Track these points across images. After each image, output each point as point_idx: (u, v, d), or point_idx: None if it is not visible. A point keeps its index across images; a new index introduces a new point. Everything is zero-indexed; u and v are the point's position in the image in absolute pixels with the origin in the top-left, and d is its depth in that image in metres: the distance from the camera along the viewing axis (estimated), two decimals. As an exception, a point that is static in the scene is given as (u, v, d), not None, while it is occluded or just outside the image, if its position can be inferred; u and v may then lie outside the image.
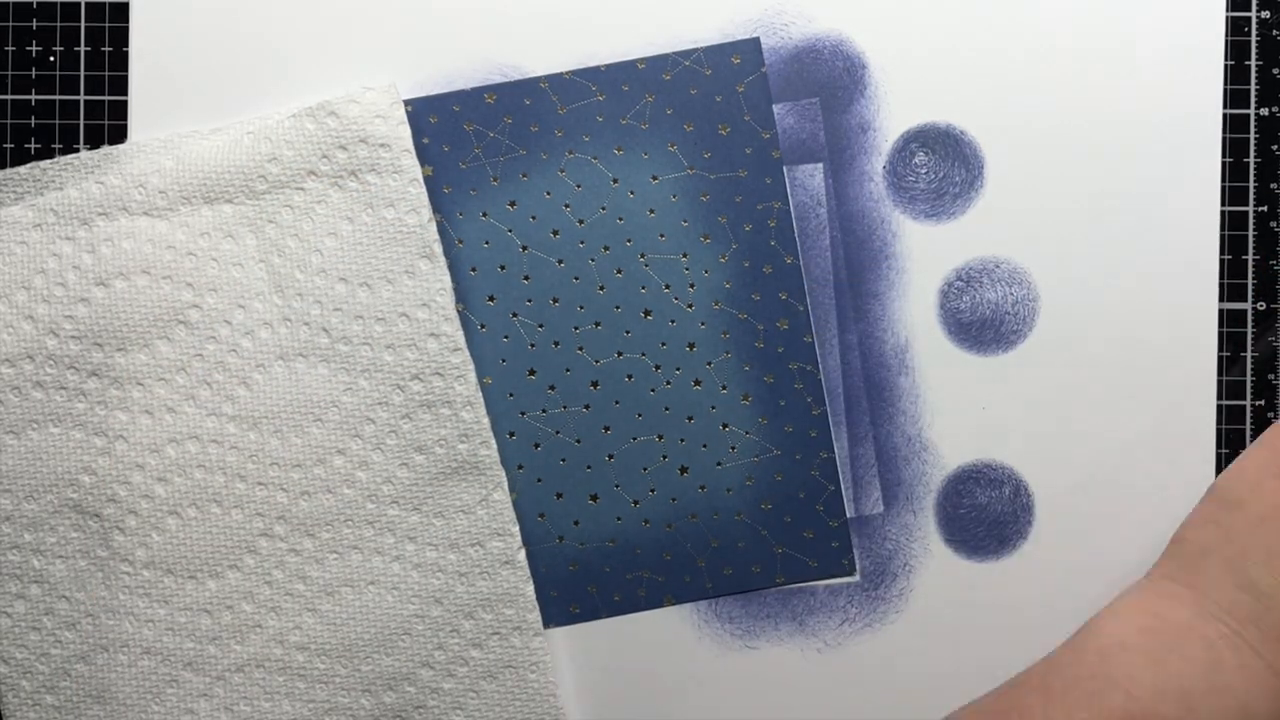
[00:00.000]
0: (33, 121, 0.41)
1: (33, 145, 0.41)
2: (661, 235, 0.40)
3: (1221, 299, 0.40)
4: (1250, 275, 0.40)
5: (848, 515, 0.40)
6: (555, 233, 0.40)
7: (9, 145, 0.41)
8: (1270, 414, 0.41)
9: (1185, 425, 0.40)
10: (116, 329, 0.39)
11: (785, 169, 0.40)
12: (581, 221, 0.40)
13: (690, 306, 0.40)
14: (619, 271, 0.40)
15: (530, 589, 0.40)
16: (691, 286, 0.40)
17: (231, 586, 0.40)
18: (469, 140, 0.40)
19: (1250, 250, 0.40)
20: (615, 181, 0.40)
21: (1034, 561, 0.40)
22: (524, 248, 0.40)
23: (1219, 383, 0.40)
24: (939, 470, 0.40)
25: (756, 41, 0.39)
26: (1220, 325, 0.40)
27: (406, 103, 0.39)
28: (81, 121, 0.41)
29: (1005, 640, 0.40)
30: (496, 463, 0.40)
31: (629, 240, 0.40)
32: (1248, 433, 0.40)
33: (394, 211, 0.39)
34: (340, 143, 0.39)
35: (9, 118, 0.41)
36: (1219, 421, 0.40)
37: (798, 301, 0.40)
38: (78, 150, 0.40)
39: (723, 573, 0.40)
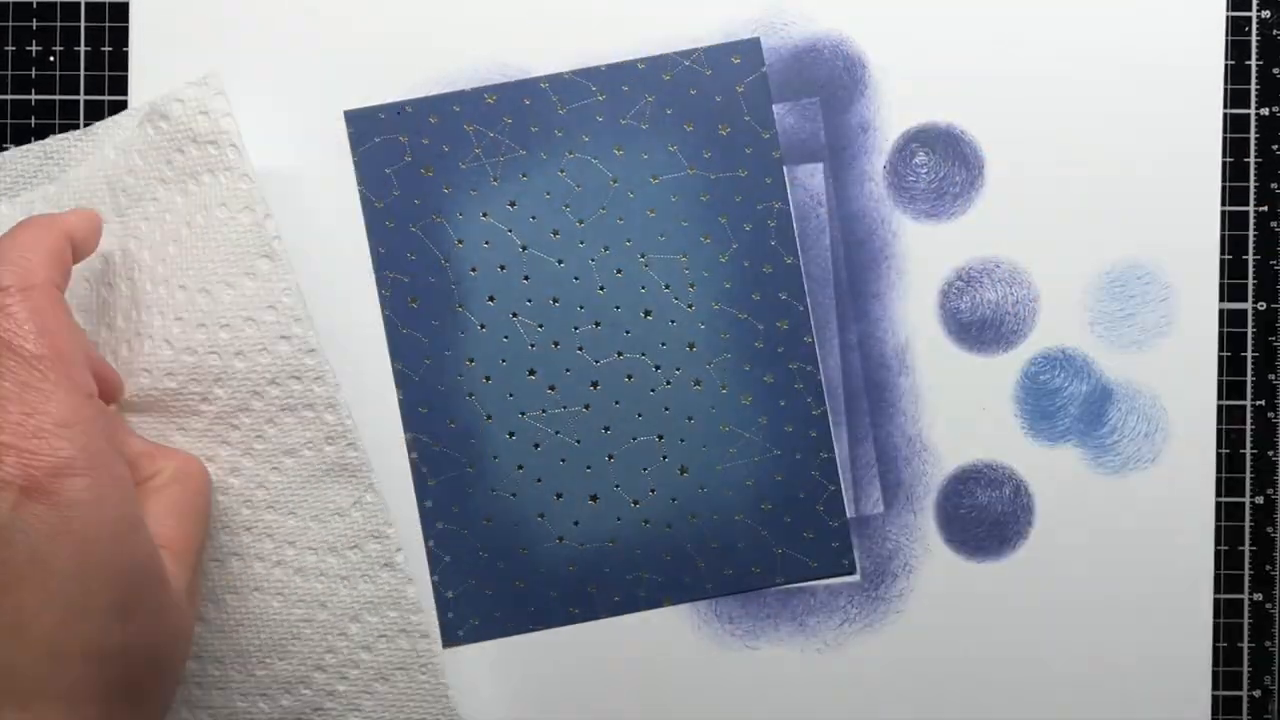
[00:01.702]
0: (33, 121, 0.42)
1: (33, 145, 0.42)
2: (661, 235, 0.41)
3: (1221, 299, 0.41)
4: (1250, 275, 0.41)
5: (848, 515, 0.41)
6: (555, 233, 0.41)
7: (9, 145, 0.42)
8: (1270, 414, 0.42)
9: (1185, 424, 0.41)
10: None
11: (785, 169, 0.41)
12: (581, 222, 0.41)
13: (690, 307, 0.41)
14: (619, 272, 0.41)
15: (412, 590, 0.40)
16: (691, 286, 0.41)
17: None
18: (469, 140, 0.41)
19: (1250, 250, 0.41)
20: (615, 181, 0.41)
21: (1034, 561, 0.41)
22: (524, 248, 0.41)
23: (1219, 383, 0.41)
24: (939, 470, 0.41)
25: (757, 42, 0.40)
26: (1220, 325, 0.41)
27: (407, 104, 0.40)
28: (82, 122, 0.41)
29: (1006, 640, 0.41)
30: (366, 464, 0.40)
31: (629, 240, 0.41)
32: (1248, 433, 0.42)
33: (226, 211, 0.38)
34: (177, 145, 0.38)
35: (9, 118, 0.42)
36: (1219, 421, 0.41)
37: (797, 301, 0.41)
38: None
39: (723, 573, 0.41)
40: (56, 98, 0.41)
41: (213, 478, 0.39)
